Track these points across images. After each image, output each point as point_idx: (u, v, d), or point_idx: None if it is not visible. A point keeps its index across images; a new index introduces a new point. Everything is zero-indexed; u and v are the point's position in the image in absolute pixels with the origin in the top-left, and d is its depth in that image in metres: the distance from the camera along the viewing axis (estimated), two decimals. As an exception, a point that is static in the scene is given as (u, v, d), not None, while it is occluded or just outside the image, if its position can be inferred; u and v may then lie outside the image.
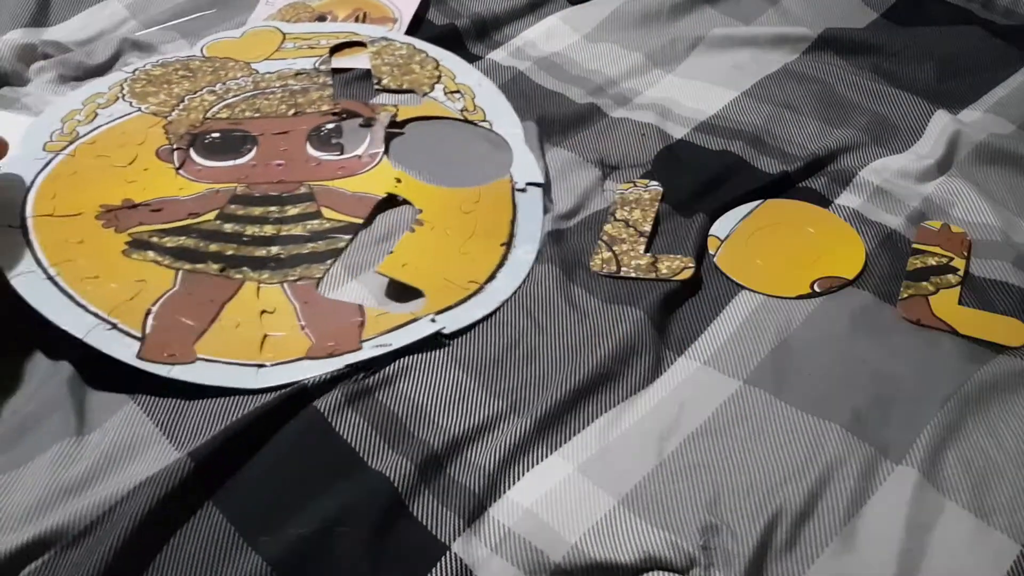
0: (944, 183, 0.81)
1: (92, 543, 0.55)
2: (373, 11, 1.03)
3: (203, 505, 0.57)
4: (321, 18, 1.02)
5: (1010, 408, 0.63)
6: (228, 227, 0.76)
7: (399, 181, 0.80)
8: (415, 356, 0.66)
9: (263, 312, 0.70)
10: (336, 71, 0.94)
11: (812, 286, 0.72)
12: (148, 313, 0.68)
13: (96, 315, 0.67)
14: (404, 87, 0.91)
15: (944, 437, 0.61)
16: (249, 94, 0.90)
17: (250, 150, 0.84)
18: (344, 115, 0.87)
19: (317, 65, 0.94)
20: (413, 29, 1.01)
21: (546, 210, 0.79)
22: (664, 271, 0.73)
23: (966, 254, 0.74)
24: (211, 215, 0.77)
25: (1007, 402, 0.63)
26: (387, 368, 0.65)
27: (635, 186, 0.81)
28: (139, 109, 0.87)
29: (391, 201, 0.80)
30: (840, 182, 0.81)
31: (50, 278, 0.69)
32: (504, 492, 0.59)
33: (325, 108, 0.88)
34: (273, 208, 0.78)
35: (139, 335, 0.66)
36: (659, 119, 0.89)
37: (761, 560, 0.55)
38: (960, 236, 0.75)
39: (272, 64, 0.94)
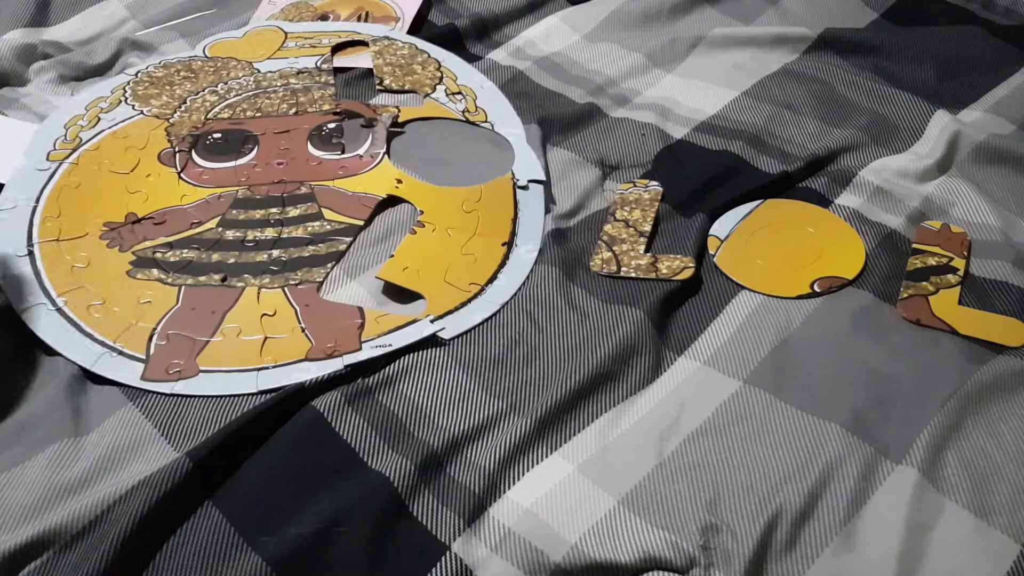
0: (944, 183, 0.81)
1: (91, 543, 0.55)
2: (375, 10, 1.03)
3: (202, 505, 0.58)
4: (323, 17, 1.02)
5: (1010, 408, 0.63)
6: (230, 234, 0.76)
7: (400, 182, 0.80)
8: (415, 356, 0.67)
9: (264, 315, 0.70)
10: (338, 70, 0.94)
11: (812, 286, 0.72)
12: (152, 334, 0.68)
13: (103, 343, 0.67)
14: (406, 87, 0.91)
15: (944, 437, 0.61)
16: (251, 93, 0.90)
17: (251, 149, 0.84)
18: (345, 115, 0.88)
19: (319, 64, 0.94)
20: (414, 29, 1.01)
21: (547, 209, 0.79)
22: (664, 271, 0.73)
23: (966, 254, 0.74)
24: (213, 222, 0.77)
25: (1007, 402, 0.63)
26: (387, 368, 0.65)
27: (635, 186, 0.81)
28: (141, 112, 0.87)
29: (392, 202, 0.80)
30: (840, 182, 0.81)
31: (58, 309, 0.70)
32: (504, 492, 0.59)
33: (327, 107, 0.88)
34: (274, 210, 0.78)
35: (143, 357, 0.67)
36: (659, 119, 0.89)
37: (761, 560, 0.55)
38: (960, 236, 0.75)
39: (274, 63, 0.94)
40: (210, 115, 0.87)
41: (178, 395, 0.64)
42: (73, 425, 0.62)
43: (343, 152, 0.84)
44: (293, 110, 0.88)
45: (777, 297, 0.71)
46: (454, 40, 0.99)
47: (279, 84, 0.91)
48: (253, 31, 0.99)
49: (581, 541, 0.56)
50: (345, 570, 0.55)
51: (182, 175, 0.81)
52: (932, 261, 0.73)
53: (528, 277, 0.73)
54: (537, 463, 0.61)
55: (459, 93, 0.91)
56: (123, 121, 0.86)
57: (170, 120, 0.86)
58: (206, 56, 0.95)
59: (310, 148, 0.84)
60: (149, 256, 0.74)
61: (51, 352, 0.67)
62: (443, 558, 0.56)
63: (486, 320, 0.70)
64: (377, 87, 0.91)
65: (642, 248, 0.75)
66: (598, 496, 0.58)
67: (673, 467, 0.60)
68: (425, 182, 0.82)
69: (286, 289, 0.72)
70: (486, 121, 0.88)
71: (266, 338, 0.68)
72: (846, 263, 0.74)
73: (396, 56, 0.95)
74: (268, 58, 0.95)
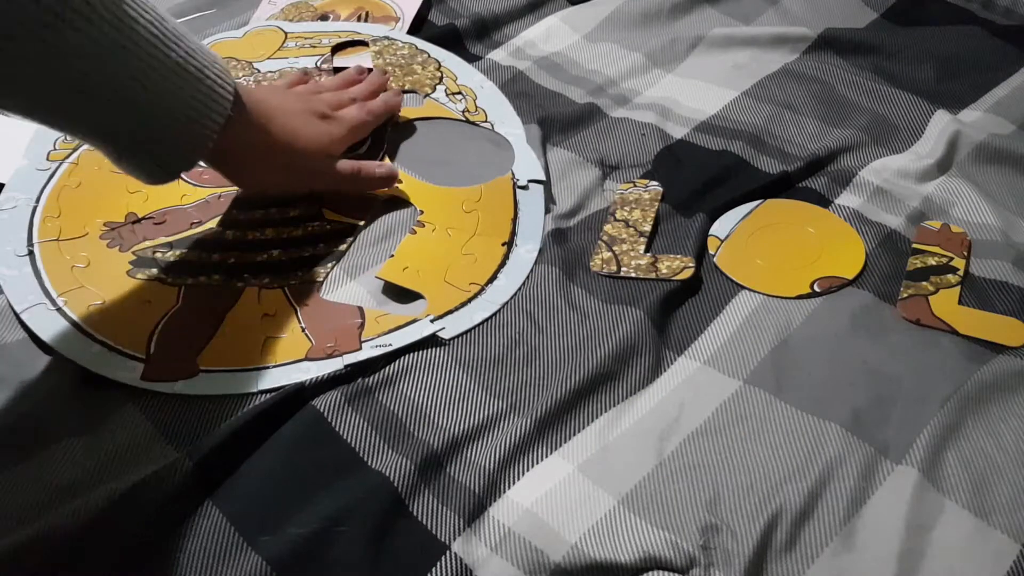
0: (944, 183, 0.81)
1: (90, 542, 0.55)
2: (375, 10, 1.03)
3: (202, 504, 0.58)
4: (323, 17, 1.02)
5: (1010, 408, 0.63)
6: (230, 234, 0.76)
7: (400, 182, 0.80)
8: (415, 356, 0.67)
9: (264, 315, 0.70)
10: (338, 70, 0.94)
11: (812, 286, 0.72)
12: (152, 334, 0.68)
13: (102, 343, 0.67)
14: (406, 88, 0.91)
15: (944, 437, 0.61)
16: (250, 94, 0.90)
17: (251, 149, 0.84)
18: None
19: (319, 64, 0.94)
20: (414, 29, 1.01)
21: (547, 209, 0.79)
22: (664, 271, 0.73)
23: (966, 254, 0.74)
24: (213, 222, 0.77)
25: (1007, 402, 0.63)
26: (387, 368, 0.66)
27: (635, 186, 0.81)
28: (141, 110, 0.87)
29: (392, 202, 0.80)
30: (840, 182, 0.81)
31: (58, 309, 0.70)
32: (504, 492, 0.59)
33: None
34: (274, 210, 0.78)
35: (143, 357, 0.67)
36: (659, 119, 0.89)
37: (761, 560, 0.55)
38: (960, 236, 0.75)
39: (274, 63, 0.94)
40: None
41: (178, 395, 0.64)
42: (72, 425, 0.62)
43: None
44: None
45: (777, 297, 0.71)
46: (454, 40, 0.99)
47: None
48: (253, 31, 0.99)
49: (581, 541, 0.56)
50: (345, 570, 0.55)
51: (182, 175, 0.81)
52: (932, 261, 0.73)
53: (528, 277, 0.73)
54: (537, 463, 0.61)
55: (459, 93, 0.91)
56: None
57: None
58: (206, 56, 0.95)
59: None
60: (149, 256, 0.74)
61: (51, 352, 0.67)
62: (443, 558, 0.56)
63: (486, 320, 0.70)
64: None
65: (642, 248, 0.75)
66: (598, 496, 0.58)
67: (673, 467, 0.60)
68: (425, 182, 0.82)
69: (286, 289, 0.72)
70: (486, 121, 0.88)
71: (266, 338, 0.68)
72: (846, 263, 0.74)
73: (396, 56, 0.95)
74: (268, 58, 0.95)
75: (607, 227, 0.77)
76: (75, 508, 0.56)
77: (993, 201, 0.79)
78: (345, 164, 0.78)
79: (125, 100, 0.61)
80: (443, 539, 0.56)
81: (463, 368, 0.66)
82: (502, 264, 0.74)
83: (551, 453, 0.61)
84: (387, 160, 0.83)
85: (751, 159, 0.84)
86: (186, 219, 0.77)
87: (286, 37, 0.98)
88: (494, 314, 0.70)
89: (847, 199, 0.80)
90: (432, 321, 0.69)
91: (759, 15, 1.03)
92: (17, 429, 0.62)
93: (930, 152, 0.83)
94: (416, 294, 0.71)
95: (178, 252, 0.74)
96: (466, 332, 0.69)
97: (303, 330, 0.69)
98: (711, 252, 0.75)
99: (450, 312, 0.70)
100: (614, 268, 0.74)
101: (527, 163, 0.83)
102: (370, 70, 0.90)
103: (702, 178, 0.82)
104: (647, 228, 0.77)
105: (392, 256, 0.74)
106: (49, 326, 0.68)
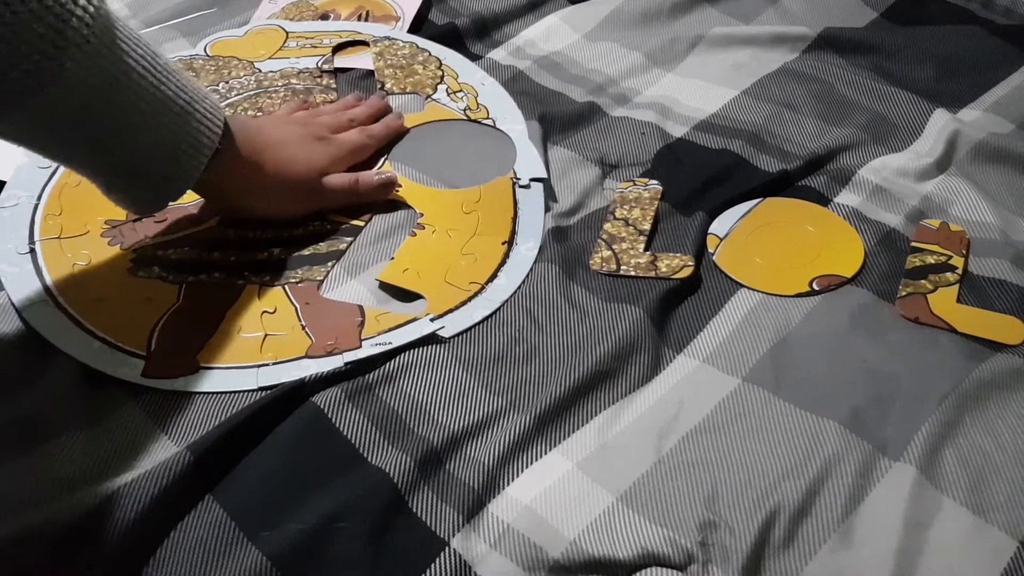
0: (943, 182, 0.81)
1: (91, 536, 0.55)
2: (376, 9, 1.04)
3: (203, 499, 0.58)
4: (324, 16, 1.03)
5: (1008, 406, 0.63)
6: (231, 232, 0.76)
7: (399, 186, 0.80)
8: (415, 354, 0.67)
9: (264, 313, 0.70)
10: (339, 70, 0.94)
11: (811, 284, 0.72)
12: (153, 331, 0.68)
13: (103, 340, 0.68)
14: (408, 90, 0.91)
15: (942, 434, 0.61)
16: (252, 93, 0.90)
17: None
18: None
19: (320, 64, 0.94)
20: (415, 28, 1.01)
21: (548, 207, 0.79)
22: (663, 269, 0.73)
23: (965, 252, 0.74)
24: (214, 220, 0.77)
25: (1005, 400, 0.63)
26: (387, 365, 0.66)
27: (635, 185, 0.81)
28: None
29: (392, 203, 0.80)
30: (839, 181, 0.82)
31: (59, 306, 0.70)
32: (503, 488, 0.59)
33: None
34: (274, 207, 0.79)
35: (144, 354, 0.67)
36: (659, 118, 0.89)
37: (759, 556, 0.55)
38: (959, 234, 0.76)
39: (275, 63, 0.94)
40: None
41: (178, 392, 0.65)
42: (73, 421, 0.62)
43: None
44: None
45: (776, 295, 0.71)
46: (454, 39, 0.99)
47: (280, 84, 0.92)
48: (254, 30, 1.00)
49: (580, 537, 0.56)
50: (345, 566, 0.55)
51: None
52: (931, 259, 0.74)
53: (528, 275, 0.73)
54: (536, 460, 0.61)
55: (460, 91, 0.91)
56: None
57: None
58: (207, 55, 0.95)
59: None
60: (150, 254, 0.74)
61: (52, 349, 0.67)
62: (442, 554, 0.56)
63: (486, 318, 0.70)
64: (379, 90, 0.91)
65: (641, 247, 0.75)
66: (597, 493, 0.59)
67: (672, 464, 0.60)
68: (425, 185, 0.82)
69: (286, 287, 0.72)
70: (488, 118, 0.88)
71: (266, 335, 0.68)
72: (845, 261, 0.74)
73: (397, 57, 0.95)
74: (269, 57, 0.95)
75: (607, 225, 0.78)
76: (75, 502, 0.56)
77: (992, 200, 0.79)
78: (341, 178, 0.78)
79: (117, 131, 0.62)
80: (442, 535, 0.57)
81: (463, 366, 0.66)
82: (502, 263, 0.74)
83: (550, 450, 0.61)
84: (387, 166, 0.83)
85: (751, 158, 0.84)
86: (187, 217, 0.77)
87: (287, 36, 0.98)
88: (494, 312, 0.71)
89: (846, 198, 0.80)
90: (432, 320, 0.69)
91: (759, 14, 1.03)
92: (18, 425, 0.62)
93: (929, 151, 0.83)
94: (417, 293, 0.72)
95: (179, 250, 0.75)
96: (466, 330, 0.69)
97: (303, 328, 0.69)
98: (710, 251, 0.76)
99: (450, 311, 0.70)
100: (614, 266, 0.74)
101: (529, 160, 0.83)
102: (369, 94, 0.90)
103: (702, 177, 0.82)
104: (647, 227, 0.77)
105: (392, 259, 0.74)
106: (50, 323, 0.69)
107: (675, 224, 0.78)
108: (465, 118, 0.89)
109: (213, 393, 0.65)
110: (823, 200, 0.80)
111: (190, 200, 0.79)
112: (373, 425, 0.62)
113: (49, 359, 0.67)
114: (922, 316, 0.69)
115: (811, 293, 0.71)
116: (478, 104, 0.90)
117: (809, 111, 0.90)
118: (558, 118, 0.88)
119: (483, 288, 0.72)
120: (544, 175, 0.81)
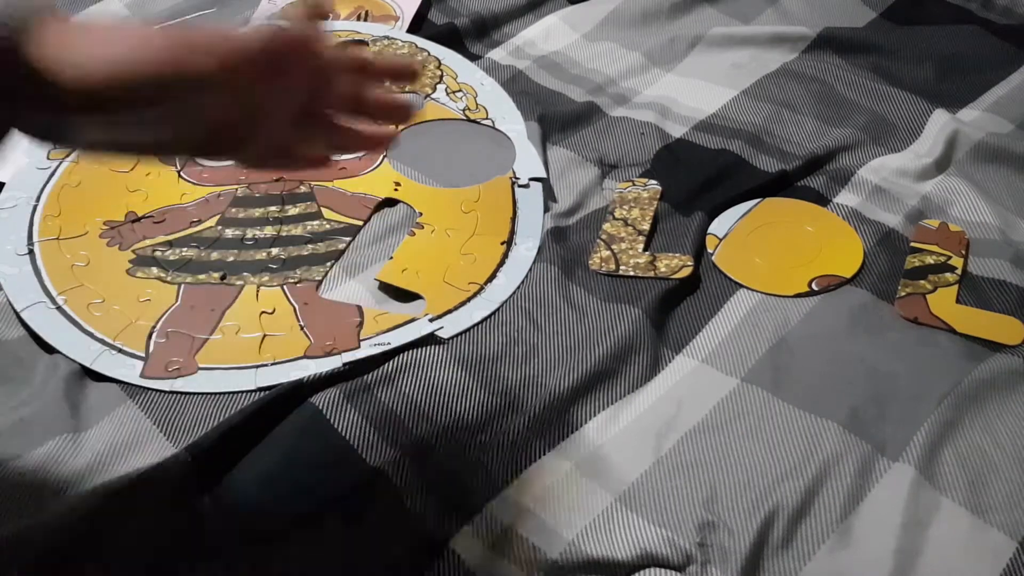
0: (942, 182, 0.81)
1: (89, 535, 0.55)
2: (375, 9, 1.04)
3: (201, 499, 0.58)
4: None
5: (1007, 406, 0.63)
6: (229, 232, 0.76)
7: (398, 186, 0.80)
8: (414, 354, 0.67)
9: (262, 313, 0.70)
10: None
11: (810, 284, 0.72)
12: (151, 332, 0.68)
13: (102, 341, 0.68)
14: (407, 89, 0.91)
15: (941, 434, 0.61)
16: (250, 93, 0.90)
17: (251, 148, 0.84)
18: None
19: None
20: (414, 28, 1.01)
21: (547, 208, 0.79)
22: (663, 269, 0.73)
23: (964, 253, 0.74)
24: (212, 221, 0.77)
25: (1004, 400, 0.63)
26: (386, 365, 0.66)
27: (634, 185, 0.81)
28: (141, 109, 0.88)
29: (391, 202, 0.80)
30: (839, 181, 0.82)
31: (58, 307, 0.70)
32: (502, 489, 0.59)
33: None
34: (274, 208, 0.79)
35: (143, 355, 0.67)
36: (658, 118, 0.89)
37: (757, 557, 0.55)
38: (958, 235, 0.76)
39: (273, 63, 0.94)
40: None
41: (177, 392, 0.65)
42: (72, 422, 0.62)
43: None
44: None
45: (775, 295, 0.71)
46: (454, 39, 0.99)
47: (279, 83, 0.91)
48: (253, 30, 0.99)
49: (578, 538, 0.56)
50: (344, 566, 0.55)
51: (182, 174, 0.81)
52: (930, 259, 0.74)
53: (527, 276, 0.73)
54: (535, 460, 0.61)
55: (459, 91, 0.91)
56: (124, 120, 0.87)
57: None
58: (206, 55, 0.95)
59: (310, 147, 0.84)
60: (149, 254, 0.74)
61: (51, 350, 0.67)
62: (441, 555, 0.56)
63: (485, 319, 0.70)
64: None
65: (641, 247, 0.75)
66: (595, 493, 0.59)
67: (670, 464, 0.60)
68: (423, 184, 0.82)
69: (285, 287, 0.72)
70: (487, 118, 0.88)
71: (265, 336, 0.68)
72: (844, 261, 0.74)
73: (396, 56, 0.95)
74: (268, 57, 0.95)
75: (606, 226, 0.78)
76: (73, 502, 0.56)
77: (991, 200, 0.79)
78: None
79: None
80: (441, 536, 0.57)
81: (462, 366, 0.66)
82: (501, 263, 0.74)
83: (549, 450, 0.61)
84: (387, 165, 0.83)
85: (750, 158, 0.84)
86: (185, 218, 0.77)
87: (286, 36, 0.98)
88: (493, 313, 0.71)
89: (845, 198, 0.80)
90: (431, 320, 0.69)
91: (758, 14, 1.03)
92: (17, 425, 0.62)
93: (929, 151, 0.83)
94: (415, 293, 0.72)
95: (177, 251, 0.75)
96: (465, 331, 0.69)
97: (302, 328, 0.69)
98: (709, 251, 0.75)
99: (449, 312, 0.70)
100: (613, 266, 0.74)
101: (528, 160, 0.83)
102: None
103: (701, 177, 0.82)
104: (646, 227, 0.77)
105: (391, 258, 0.74)
106: (49, 324, 0.69)
107: (674, 224, 0.78)
108: (464, 118, 0.89)
109: (211, 394, 0.65)
110: (822, 200, 0.80)
111: (189, 200, 0.79)
112: (371, 426, 0.62)
113: (47, 361, 0.67)
114: (921, 316, 0.69)
115: (810, 293, 0.71)
116: (477, 104, 0.90)
117: (808, 111, 0.90)
118: (557, 118, 0.88)
119: (482, 288, 0.72)
120: (543, 175, 0.81)
